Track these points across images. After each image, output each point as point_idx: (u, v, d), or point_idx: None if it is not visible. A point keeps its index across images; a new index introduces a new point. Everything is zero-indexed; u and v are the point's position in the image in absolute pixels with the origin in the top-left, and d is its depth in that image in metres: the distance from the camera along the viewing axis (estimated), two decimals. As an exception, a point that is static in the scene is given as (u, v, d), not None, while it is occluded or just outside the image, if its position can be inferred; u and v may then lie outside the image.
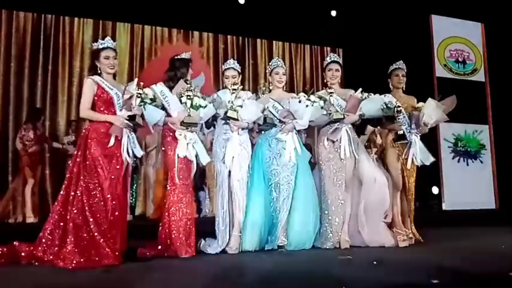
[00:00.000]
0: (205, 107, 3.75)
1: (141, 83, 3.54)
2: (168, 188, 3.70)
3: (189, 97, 3.65)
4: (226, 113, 3.82)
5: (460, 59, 8.20)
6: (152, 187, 6.70)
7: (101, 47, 3.52)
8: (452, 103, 4.34)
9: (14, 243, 3.25)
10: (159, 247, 3.56)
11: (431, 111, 4.18)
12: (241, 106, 3.85)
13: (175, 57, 3.92)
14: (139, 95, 3.45)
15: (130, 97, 3.42)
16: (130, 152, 3.49)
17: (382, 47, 7.76)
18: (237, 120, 3.84)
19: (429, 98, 4.27)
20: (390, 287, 2.32)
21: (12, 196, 6.14)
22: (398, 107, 4.11)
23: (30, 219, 5.86)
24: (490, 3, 7.70)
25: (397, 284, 2.35)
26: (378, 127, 4.48)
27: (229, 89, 3.89)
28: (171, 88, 3.74)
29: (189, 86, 3.76)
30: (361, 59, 8.31)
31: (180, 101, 3.68)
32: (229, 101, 3.87)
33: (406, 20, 7.58)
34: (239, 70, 4.13)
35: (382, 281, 2.43)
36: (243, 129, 3.96)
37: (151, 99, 3.59)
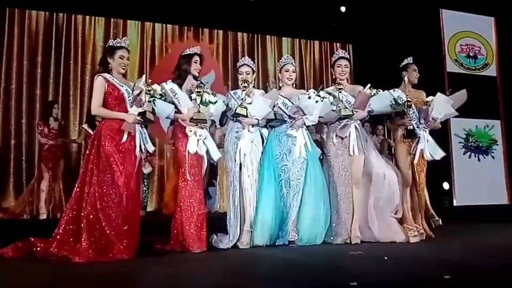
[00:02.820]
0: (215, 103, 3.78)
1: (150, 80, 3.58)
2: (180, 183, 3.73)
3: (199, 93, 3.68)
4: (235, 110, 3.85)
5: (471, 54, 8.11)
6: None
7: (117, 45, 3.57)
8: (462, 97, 4.31)
9: (30, 238, 3.31)
10: (171, 242, 3.62)
11: (440, 106, 4.16)
12: (250, 103, 3.88)
13: (182, 54, 3.98)
14: (148, 92, 3.49)
15: (140, 92, 3.46)
16: (142, 147, 3.54)
17: (391, 42, 7.71)
18: (247, 116, 3.87)
19: (438, 93, 4.24)
20: (401, 282, 2.31)
21: (30, 192, 6.19)
22: (409, 101, 4.10)
23: (44, 215, 5.87)
24: (501, -3, 7.62)
25: (408, 280, 2.34)
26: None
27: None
28: (180, 85, 3.78)
29: (198, 82, 3.79)
30: (370, 55, 8.25)
31: (190, 97, 3.72)
32: (238, 98, 3.90)
33: (416, 15, 7.50)
34: (253, 68, 4.16)
35: (393, 276, 2.44)
36: (253, 126, 3.99)
37: (160, 94, 3.63)
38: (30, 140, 6.71)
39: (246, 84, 3.89)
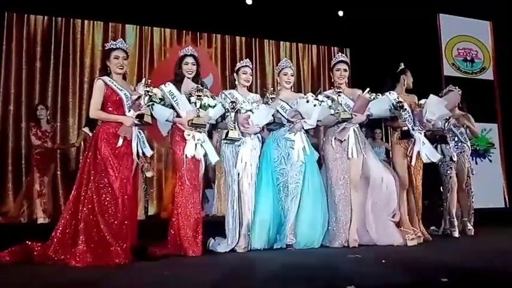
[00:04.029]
0: (214, 106, 3.77)
1: (149, 80, 3.58)
2: (177, 188, 3.73)
3: (199, 97, 3.69)
4: (226, 133, 3.86)
5: (468, 58, 8.15)
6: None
7: (111, 47, 3.60)
8: (455, 98, 4.35)
9: (27, 242, 3.31)
10: (169, 246, 3.61)
11: (433, 107, 4.16)
12: (251, 111, 3.89)
13: None
14: (147, 93, 3.49)
15: (139, 97, 3.47)
16: (140, 151, 3.54)
17: (389, 46, 7.74)
18: (239, 139, 3.88)
19: (431, 94, 4.25)
20: (399, 285, 2.31)
21: (25, 196, 6.18)
22: (400, 102, 4.10)
23: (41, 219, 5.83)
24: (498, 1, 7.65)
25: (406, 283, 2.34)
26: None
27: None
28: (178, 88, 3.78)
29: (198, 85, 3.79)
30: (368, 59, 8.28)
31: (189, 100, 3.72)
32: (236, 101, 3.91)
33: (414, 19, 7.55)
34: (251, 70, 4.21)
35: (391, 280, 2.44)
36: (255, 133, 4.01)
37: (160, 98, 3.63)
38: (29, 144, 6.68)
39: (234, 105, 3.88)
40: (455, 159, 4.90)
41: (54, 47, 7.54)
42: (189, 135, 3.71)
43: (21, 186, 6.67)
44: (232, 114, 3.87)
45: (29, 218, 6.07)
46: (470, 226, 4.93)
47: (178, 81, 3.86)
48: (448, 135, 4.89)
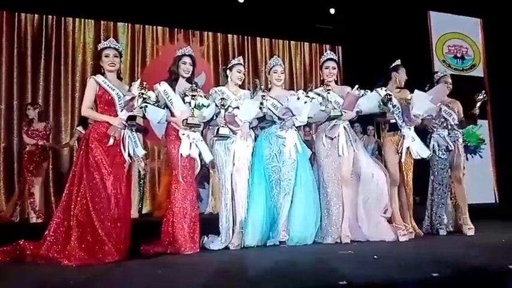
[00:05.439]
0: (207, 106, 3.78)
1: (144, 82, 3.58)
2: (172, 186, 3.74)
3: (193, 97, 3.69)
4: (217, 130, 3.88)
5: (458, 55, 8.21)
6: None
7: (102, 47, 3.60)
8: (441, 92, 4.35)
9: (20, 241, 3.31)
10: (164, 243, 3.62)
11: (420, 102, 4.15)
12: (238, 107, 3.89)
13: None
14: (141, 95, 3.49)
15: (132, 98, 3.47)
16: (131, 151, 3.53)
17: (380, 43, 7.78)
18: (229, 137, 3.90)
19: (415, 90, 4.23)
20: (391, 281, 2.33)
21: (18, 196, 6.13)
22: (389, 95, 4.09)
23: (33, 219, 5.75)
24: (488, -2, 7.73)
25: (397, 278, 2.36)
26: None
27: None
28: (172, 87, 3.78)
29: (192, 85, 3.79)
30: (360, 56, 8.32)
31: (183, 100, 3.72)
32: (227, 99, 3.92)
33: (404, 17, 7.59)
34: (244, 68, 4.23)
35: (383, 275, 2.46)
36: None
37: (154, 101, 3.63)
38: (20, 143, 6.65)
39: (223, 103, 3.90)
40: (451, 148, 4.54)
41: (46, 45, 7.50)
42: (183, 134, 3.73)
43: (14, 186, 6.63)
44: (223, 111, 3.88)
45: (21, 217, 6.03)
46: (470, 225, 4.48)
47: (174, 80, 3.86)
48: (439, 123, 4.57)
